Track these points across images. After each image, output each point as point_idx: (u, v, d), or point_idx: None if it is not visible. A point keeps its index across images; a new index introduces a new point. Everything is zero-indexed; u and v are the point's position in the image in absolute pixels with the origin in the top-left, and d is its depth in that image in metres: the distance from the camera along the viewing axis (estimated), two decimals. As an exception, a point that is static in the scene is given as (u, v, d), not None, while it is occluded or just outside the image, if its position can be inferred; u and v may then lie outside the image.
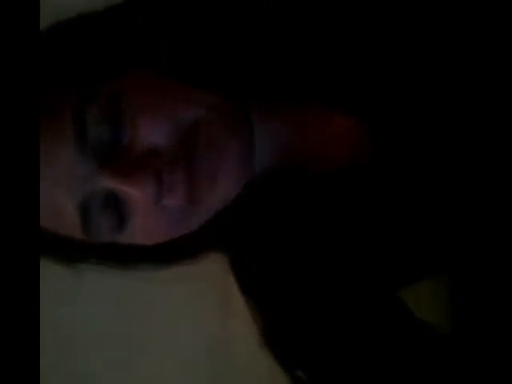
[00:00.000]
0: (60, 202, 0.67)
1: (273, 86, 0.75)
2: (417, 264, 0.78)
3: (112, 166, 0.66)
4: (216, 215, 0.70)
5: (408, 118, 0.74)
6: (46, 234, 0.69)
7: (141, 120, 0.66)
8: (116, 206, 0.67)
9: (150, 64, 0.71)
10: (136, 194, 0.66)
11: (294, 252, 0.77)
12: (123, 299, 1.31)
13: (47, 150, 0.65)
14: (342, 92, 0.74)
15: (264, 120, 0.74)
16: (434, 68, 0.73)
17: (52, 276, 0.73)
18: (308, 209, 0.77)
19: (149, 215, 0.67)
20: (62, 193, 0.66)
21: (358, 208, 0.75)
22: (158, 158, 0.66)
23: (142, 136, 0.66)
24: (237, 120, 0.70)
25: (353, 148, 0.75)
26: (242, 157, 0.69)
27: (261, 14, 0.75)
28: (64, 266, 0.74)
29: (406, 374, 0.74)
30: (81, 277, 0.74)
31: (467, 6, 0.72)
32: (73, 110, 0.66)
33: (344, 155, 0.76)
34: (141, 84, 0.68)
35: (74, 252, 0.72)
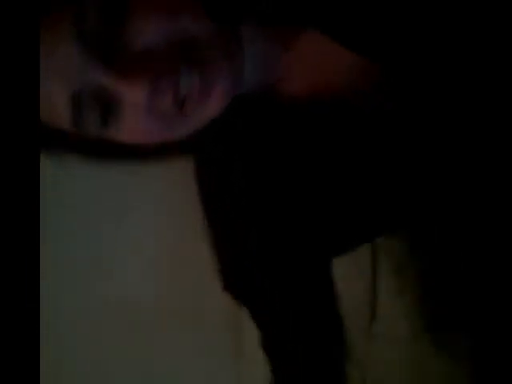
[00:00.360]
0: (55, 93, 0.69)
1: (269, 9, 0.77)
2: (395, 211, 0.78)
3: (109, 62, 0.67)
4: (201, 128, 0.73)
5: (418, 63, 0.74)
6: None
7: (143, 18, 0.67)
8: (106, 102, 0.68)
9: None
10: (129, 94, 0.67)
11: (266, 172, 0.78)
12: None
13: (47, 42, 0.67)
14: (350, 27, 0.75)
15: (255, 44, 0.76)
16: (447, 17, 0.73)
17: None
18: (286, 133, 0.78)
19: (137, 116, 0.69)
20: (57, 83, 0.68)
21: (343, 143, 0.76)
22: (155, 62, 0.67)
23: (142, 34, 0.67)
24: (231, 43, 0.71)
25: (351, 85, 0.76)
26: (233, 78, 0.71)
27: None
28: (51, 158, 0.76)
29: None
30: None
31: None
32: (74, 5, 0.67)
33: (336, 89, 0.76)
34: None
35: (60, 144, 0.75)
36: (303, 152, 0.77)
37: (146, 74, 0.67)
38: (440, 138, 0.74)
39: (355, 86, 0.76)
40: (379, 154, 0.75)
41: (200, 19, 0.70)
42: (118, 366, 1.28)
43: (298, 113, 0.78)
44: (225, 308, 1.09)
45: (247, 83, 0.75)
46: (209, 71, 0.69)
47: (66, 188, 1.13)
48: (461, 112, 0.73)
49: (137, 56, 0.67)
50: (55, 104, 0.69)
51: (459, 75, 0.73)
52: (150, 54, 0.67)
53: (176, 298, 1.23)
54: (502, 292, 0.75)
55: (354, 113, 0.75)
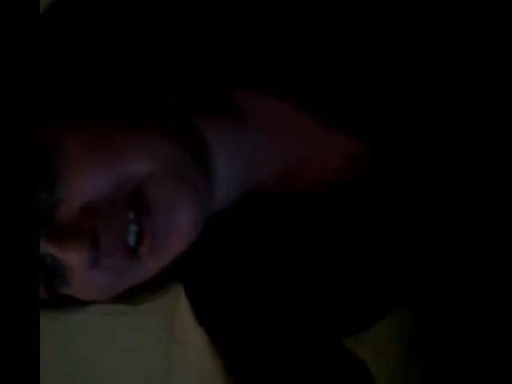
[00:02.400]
0: None
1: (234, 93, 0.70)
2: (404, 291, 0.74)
3: (46, 229, 0.61)
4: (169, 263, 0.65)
5: (408, 136, 0.69)
6: None
7: (74, 173, 0.60)
8: (52, 267, 0.62)
9: (85, 105, 0.63)
10: (66, 259, 0.61)
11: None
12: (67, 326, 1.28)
13: None
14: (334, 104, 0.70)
15: (225, 142, 0.68)
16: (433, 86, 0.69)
17: None
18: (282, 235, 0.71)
19: (83, 275, 0.62)
20: None
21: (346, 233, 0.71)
22: (92, 217, 0.60)
23: (76, 192, 0.60)
24: (192, 162, 0.64)
25: (345, 167, 0.71)
26: (198, 204, 0.63)
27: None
28: None
29: None
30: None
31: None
32: None
33: (332, 173, 0.71)
34: (76, 130, 0.61)
35: None
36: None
37: (83, 234, 0.60)
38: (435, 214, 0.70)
39: (346, 171, 0.71)
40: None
41: (150, 146, 0.62)
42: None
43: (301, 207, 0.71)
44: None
45: (224, 195, 0.68)
46: (162, 208, 0.62)
47: None
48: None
49: (72, 215, 0.61)
50: None
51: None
52: (87, 209, 0.61)
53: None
54: None
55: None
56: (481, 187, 0.69)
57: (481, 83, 0.68)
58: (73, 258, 0.60)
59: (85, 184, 0.60)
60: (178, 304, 0.83)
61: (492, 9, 0.68)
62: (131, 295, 0.69)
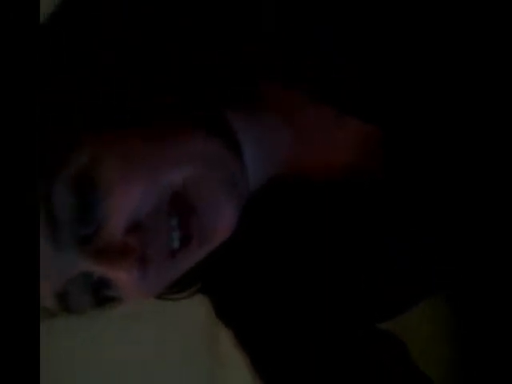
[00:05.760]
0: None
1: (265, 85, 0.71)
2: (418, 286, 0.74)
3: (91, 250, 0.62)
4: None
5: (423, 128, 0.69)
6: None
7: (117, 194, 0.61)
8: (96, 286, 0.64)
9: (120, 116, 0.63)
10: (121, 278, 0.62)
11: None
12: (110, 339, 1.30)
13: None
14: (352, 94, 0.70)
15: (253, 131, 0.70)
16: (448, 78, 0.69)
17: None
18: (307, 222, 0.72)
19: (134, 287, 0.63)
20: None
21: (363, 222, 0.71)
22: (139, 235, 0.62)
23: (119, 211, 0.61)
24: (229, 154, 0.66)
25: (363, 156, 0.71)
26: (238, 195, 0.66)
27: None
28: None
29: None
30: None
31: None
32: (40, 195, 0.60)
33: (351, 163, 0.72)
34: (114, 147, 0.62)
35: None
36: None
37: (133, 252, 0.62)
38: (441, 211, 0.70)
39: (361, 160, 0.71)
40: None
41: (188, 153, 0.63)
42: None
43: (313, 196, 0.72)
44: (199, 312, 1.09)
45: (252, 181, 0.70)
46: (208, 212, 0.64)
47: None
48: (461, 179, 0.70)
49: (118, 234, 0.62)
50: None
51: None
52: (133, 226, 0.62)
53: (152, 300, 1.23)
54: None
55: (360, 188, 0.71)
56: (481, 187, 0.68)
57: (482, 86, 0.68)
58: (124, 277, 0.62)
59: (130, 203, 0.61)
60: (219, 326, 0.84)
61: (492, 8, 0.67)
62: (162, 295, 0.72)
